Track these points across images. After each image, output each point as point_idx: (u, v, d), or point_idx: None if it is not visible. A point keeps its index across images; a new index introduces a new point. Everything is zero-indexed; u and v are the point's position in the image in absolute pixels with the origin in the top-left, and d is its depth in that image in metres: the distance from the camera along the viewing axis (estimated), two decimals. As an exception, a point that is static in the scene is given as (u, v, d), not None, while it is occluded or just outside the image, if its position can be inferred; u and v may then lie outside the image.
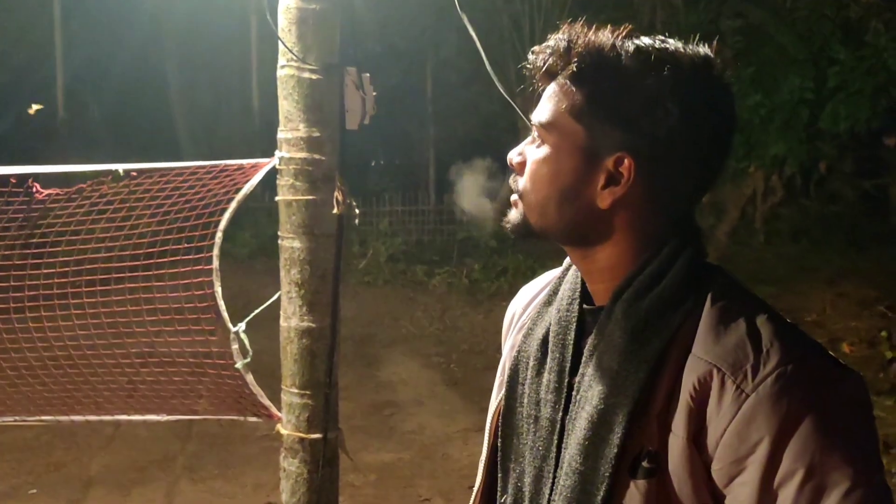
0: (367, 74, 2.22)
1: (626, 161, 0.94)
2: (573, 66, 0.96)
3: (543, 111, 1.00)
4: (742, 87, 8.01)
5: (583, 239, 1.00)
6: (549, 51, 0.98)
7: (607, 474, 0.92)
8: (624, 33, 0.96)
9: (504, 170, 1.14)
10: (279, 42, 2.12)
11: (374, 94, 2.23)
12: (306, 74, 2.09)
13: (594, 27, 0.97)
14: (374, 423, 4.97)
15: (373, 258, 8.92)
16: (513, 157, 1.04)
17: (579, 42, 0.96)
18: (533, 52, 1.01)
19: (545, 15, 9.36)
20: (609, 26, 0.97)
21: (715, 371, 0.88)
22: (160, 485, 4.11)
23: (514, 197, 1.04)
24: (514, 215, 1.04)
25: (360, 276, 8.55)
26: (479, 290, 8.07)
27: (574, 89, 0.96)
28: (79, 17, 10.36)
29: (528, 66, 1.01)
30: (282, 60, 2.13)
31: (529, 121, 1.04)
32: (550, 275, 1.18)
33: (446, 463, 4.35)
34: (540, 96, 1.04)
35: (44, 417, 2.65)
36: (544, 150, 0.99)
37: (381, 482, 4.18)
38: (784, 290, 6.67)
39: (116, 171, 2.34)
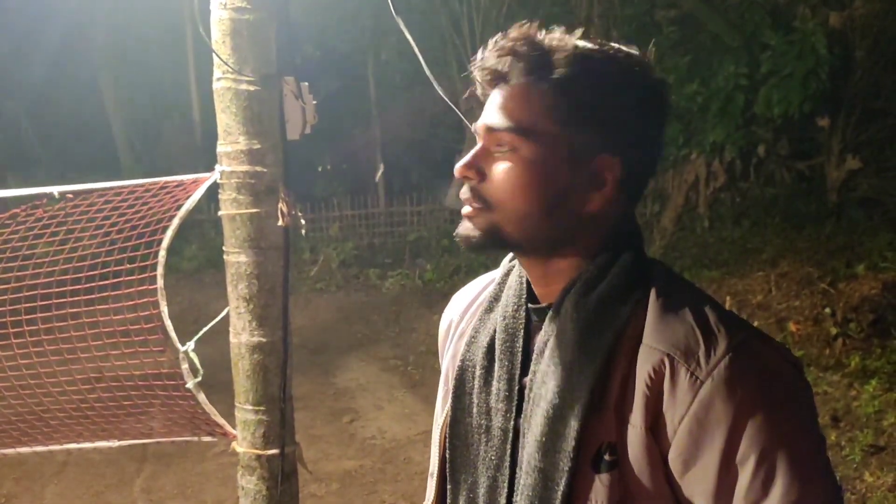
0: (306, 83, 2.19)
1: (611, 162, 0.95)
2: (561, 71, 0.93)
3: (513, 116, 0.95)
4: (679, 75, 8.18)
5: (561, 245, 0.99)
6: (508, 52, 0.95)
7: (566, 469, 0.92)
8: (579, 34, 0.96)
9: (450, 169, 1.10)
10: (214, 54, 2.08)
11: (314, 102, 2.21)
12: (243, 86, 2.06)
13: (541, 27, 0.97)
14: (333, 431, 4.94)
15: (324, 264, 8.86)
16: (464, 168, 0.98)
17: (554, 45, 0.94)
18: (489, 53, 0.97)
19: (483, 14, 9.40)
20: (556, 26, 0.97)
21: (667, 359, 0.90)
22: (117, 510, 4.02)
23: (466, 209, 0.99)
24: (471, 228, 0.99)
25: (311, 283, 8.48)
26: (433, 290, 8.08)
27: (557, 93, 0.94)
28: (6, 35, 10.04)
29: (479, 68, 0.98)
30: (217, 73, 2.09)
31: (485, 127, 0.98)
32: (486, 278, 1.16)
33: (408, 466, 4.34)
34: (481, 98, 1.01)
35: (-10, 451, 2.56)
36: (519, 157, 0.95)
37: (344, 490, 4.15)
38: (728, 273, 6.83)
39: (52, 193, 2.27)
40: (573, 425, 0.92)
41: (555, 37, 0.96)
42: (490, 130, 0.97)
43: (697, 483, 0.89)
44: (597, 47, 0.95)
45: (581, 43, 0.95)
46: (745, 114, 8.00)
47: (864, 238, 7.22)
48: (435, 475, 1.13)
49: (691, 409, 0.88)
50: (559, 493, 0.93)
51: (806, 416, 0.90)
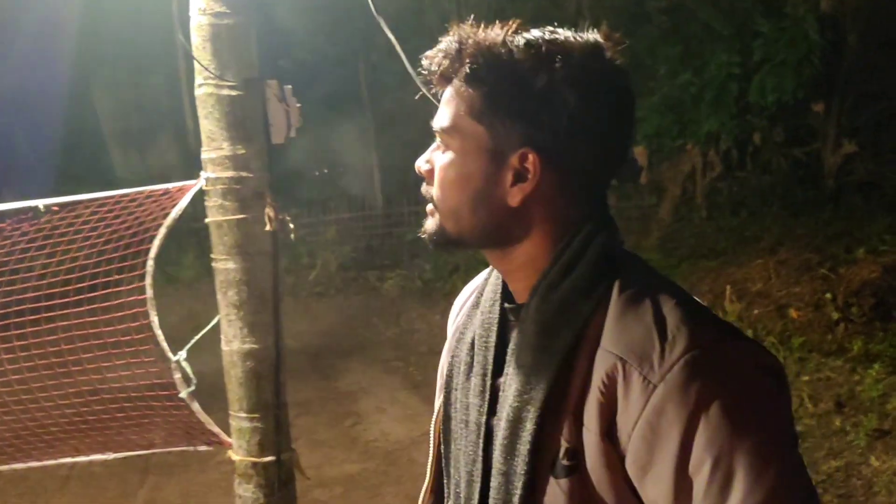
0: (290, 86, 2.18)
1: (529, 156, 0.93)
2: (466, 67, 0.94)
3: (444, 116, 0.98)
4: (672, 66, 8.17)
5: (500, 240, 0.99)
6: (441, 54, 0.97)
7: (522, 472, 0.92)
8: (513, 28, 0.95)
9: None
10: (194, 60, 2.07)
11: (299, 105, 2.19)
12: (225, 91, 2.05)
13: (483, 24, 0.96)
14: (336, 435, 4.92)
15: (323, 268, 8.83)
16: (420, 165, 1.02)
17: (469, 42, 0.95)
18: (426, 57, 0.99)
19: (473, 12, 9.37)
20: (498, 22, 0.96)
21: (621, 363, 0.87)
22: (121, 522, 4.01)
23: (429, 206, 1.03)
24: (430, 225, 1.02)
25: (310, 287, 8.46)
26: (433, 291, 8.06)
27: (470, 90, 0.95)
28: (-4, 48, 10.03)
29: (424, 71, 1.00)
30: (199, 79, 2.08)
31: (433, 127, 1.01)
32: (485, 274, 1.16)
33: (412, 468, 4.32)
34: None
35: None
36: (449, 155, 0.98)
37: (348, 494, 4.13)
38: (727, 262, 6.80)
39: (37, 206, 2.26)
40: (528, 429, 0.91)
41: (487, 33, 0.95)
42: (435, 131, 1.00)
43: (655, 489, 0.86)
44: (522, 40, 0.94)
45: (512, 37, 0.94)
46: (739, 102, 7.97)
47: (862, 222, 7.18)
48: (430, 465, 1.16)
49: (643, 414, 0.85)
50: (517, 496, 0.92)
51: (770, 419, 0.85)
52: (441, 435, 1.10)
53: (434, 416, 1.15)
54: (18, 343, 2.62)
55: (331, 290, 8.51)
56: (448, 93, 0.99)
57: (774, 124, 8.44)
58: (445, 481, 1.09)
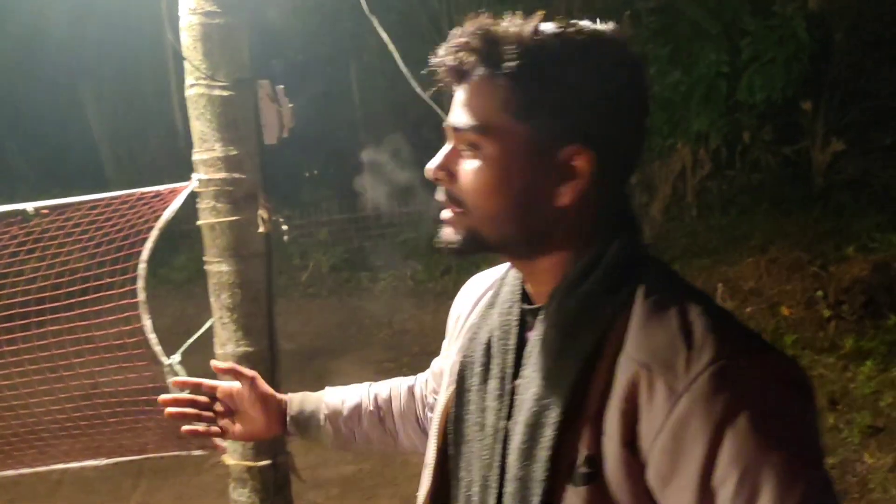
0: (282, 86, 2.16)
1: (582, 152, 0.89)
2: (504, 60, 0.89)
3: (471, 114, 0.92)
4: (661, 65, 8.17)
5: (540, 243, 0.94)
6: (458, 48, 0.92)
7: (542, 479, 0.89)
8: (538, 20, 0.91)
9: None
10: (185, 61, 2.05)
11: (291, 105, 2.18)
12: (217, 92, 2.03)
13: (499, 17, 0.92)
14: (330, 437, 4.90)
15: (315, 270, 8.81)
16: (435, 169, 0.96)
17: (498, 34, 0.90)
18: (444, 50, 0.93)
19: (463, 12, 9.37)
20: (516, 13, 0.92)
21: (645, 371, 0.84)
22: (113, 527, 3.98)
23: (446, 213, 0.96)
24: (450, 233, 0.96)
25: (303, 289, 8.43)
26: (424, 291, 8.05)
27: (511, 85, 0.89)
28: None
29: (438, 65, 0.94)
30: (190, 80, 2.06)
31: (451, 127, 0.95)
32: (497, 270, 1.14)
33: (406, 469, 4.30)
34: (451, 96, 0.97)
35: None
36: (481, 157, 0.92)
37: (344, 496, 4.12)
38: (719, 261, 6.81)
39: (26, 210, 2.23)
40: (548, 434, 0.88)
41: (510, 25, 0.91)
42: (455, 130, 0.94)
43: (677, 501, 0.83)
44: (555, 31, 0.90)
45: (541, 27, 0.90)
46: (729, 101, 7.98)
47: (852, 220, 7.21)
48: (431, 466, 1.11)
49: (667, 424, 0.82)
50: (535, 503, 0.89)
51: (798, 434, 0.83)
52: (452, 437, 1.06)
53: (436, 418, 1.11)
54: (8, 348, 2.59)
55: (323, 291, 8.48)
56: (467, 90, 0.93)
57: (763, 122, 8.46)
58: (453, 483, 1.05)
